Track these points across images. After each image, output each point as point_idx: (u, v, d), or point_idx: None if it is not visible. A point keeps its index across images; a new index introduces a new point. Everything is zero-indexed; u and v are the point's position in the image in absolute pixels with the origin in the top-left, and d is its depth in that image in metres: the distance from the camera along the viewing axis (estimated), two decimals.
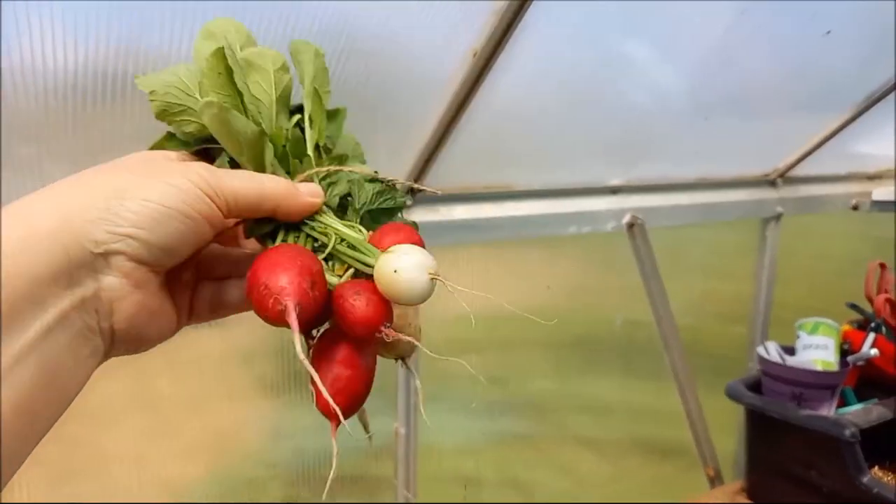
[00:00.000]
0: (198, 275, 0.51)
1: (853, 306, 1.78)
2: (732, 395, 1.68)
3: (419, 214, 1.34)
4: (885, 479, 1.49)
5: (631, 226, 1.61)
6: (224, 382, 1.19)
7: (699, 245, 1.92)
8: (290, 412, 1.27)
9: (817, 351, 1.54)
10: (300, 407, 1.27)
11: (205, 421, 1.18)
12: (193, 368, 1.15)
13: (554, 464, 1.80)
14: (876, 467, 1.49)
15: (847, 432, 1.33)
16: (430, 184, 1.34)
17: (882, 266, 1.76)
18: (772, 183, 1.94)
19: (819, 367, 1.50)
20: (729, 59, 1.36)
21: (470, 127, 1.22)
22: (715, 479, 1.89)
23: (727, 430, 1.96)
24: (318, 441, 1.29)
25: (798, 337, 1.60)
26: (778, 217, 1.95)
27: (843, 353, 1.58)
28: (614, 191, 1.61)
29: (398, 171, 1.26)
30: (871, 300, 1.73)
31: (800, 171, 1.94)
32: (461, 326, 1.50)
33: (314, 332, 0.49)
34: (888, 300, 1.71)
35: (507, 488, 1.70)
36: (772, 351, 1.60)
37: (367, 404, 0.49)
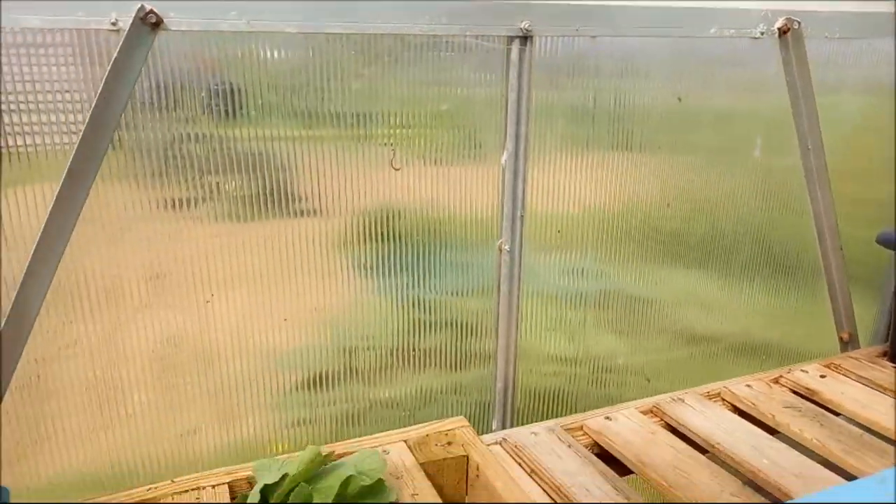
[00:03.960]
0: None
1: None
2: (885, 241, 1.46)
3: None
4: None
5: (784, 31, 1.35)
6: (320, 263, 1.20)
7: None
8: (382, 291, 1.28)
9: None
10: (391, 286, 1.27)
11: (302, 297, 1.21)
12: (293, 252, 1.18)
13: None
14: None
15: None
16: None
17: None
18: None
19: None
20: None
21: None
22: (849, 345, 1.69)
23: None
24: (406, 317, 1.31)
25: None
26: None
27: None
28: None
29: None
30: None
31: None
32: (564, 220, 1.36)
33: None
34: None
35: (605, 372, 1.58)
36: None
37: None
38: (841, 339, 1.71)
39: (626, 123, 1.34)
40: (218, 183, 1.09)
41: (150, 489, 0.95)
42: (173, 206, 1.07)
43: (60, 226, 0.97)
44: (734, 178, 1.49)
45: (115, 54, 0.93)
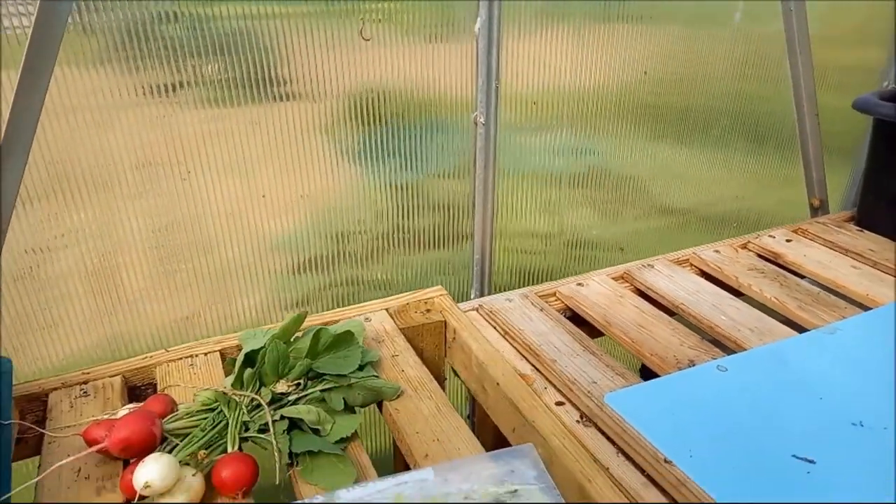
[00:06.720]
0: None
1: None
2: (862, 107, 1.46)
3: None
4: None
5: None
6: (306, 148, 1.21)
7: None
8: (371, 175, 1.29)
9: None
10: (380, 170, 1.29)
11: (291, 183, 1.23)
12: (280, 137, 1.18)
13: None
14: None
15: None
16: None
17: None
18: None
19: None
20: None
21: None
22: (819, 210, 1.74)
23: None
24: (398, 201, 1.34)
25: None
26: None
27: None
28: None
29: None
30: None
31: None
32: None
33: None
34: None
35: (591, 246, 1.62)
36: None
37: None
38: (811, 205, 1.76)
39: None
40: (198, 66, 1.06)
41: (145, 357, 1.02)
42: (157, 91, 1.06)
43: (26, 112, 0.95)
44: (713, 45, 1.47)
45: None
